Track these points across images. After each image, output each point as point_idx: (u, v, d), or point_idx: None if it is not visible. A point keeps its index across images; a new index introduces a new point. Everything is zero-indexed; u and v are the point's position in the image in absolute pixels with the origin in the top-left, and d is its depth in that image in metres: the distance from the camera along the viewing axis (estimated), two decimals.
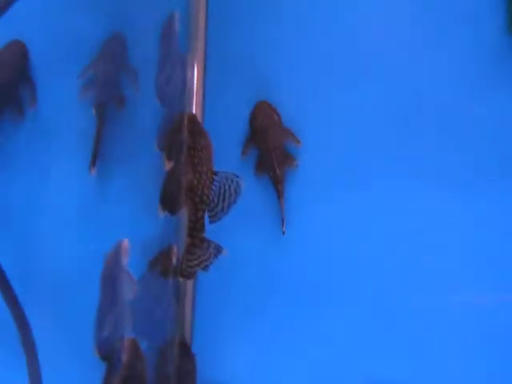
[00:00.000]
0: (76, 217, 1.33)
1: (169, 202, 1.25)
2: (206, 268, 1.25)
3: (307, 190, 1.38)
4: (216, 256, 1.25)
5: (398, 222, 1.35)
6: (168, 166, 1.24)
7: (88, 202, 1.32)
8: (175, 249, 1.28)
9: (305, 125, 1.39)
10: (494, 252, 1.33)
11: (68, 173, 1.34)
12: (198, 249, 1.24)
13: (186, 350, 1.32)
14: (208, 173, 1.24)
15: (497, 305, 1.31)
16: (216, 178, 1.25)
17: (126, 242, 1.00)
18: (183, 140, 1.25)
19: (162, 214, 1.23)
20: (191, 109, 1.37)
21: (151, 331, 1.26)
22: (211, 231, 1.22)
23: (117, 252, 0.99)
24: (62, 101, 1.38)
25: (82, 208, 1.32)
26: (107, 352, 1.03)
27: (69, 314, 1.26)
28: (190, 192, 1.23)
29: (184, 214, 1.27)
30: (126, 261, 1.00)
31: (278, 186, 1.36)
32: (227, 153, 1.36)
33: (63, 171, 1.34)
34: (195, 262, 1.25)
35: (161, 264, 1.27)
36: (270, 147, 1.36)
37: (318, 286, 1.35)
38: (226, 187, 1.24)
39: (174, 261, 1.27)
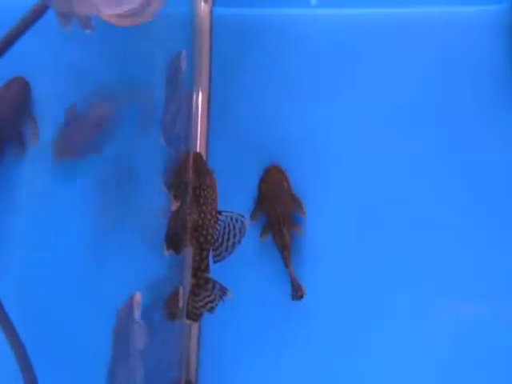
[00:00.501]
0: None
1: (173, 241, 1.25)
2: (211, 310, 1.24)
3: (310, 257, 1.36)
4: (221, 298, 1.24)
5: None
6: (175, 205, 1.24)
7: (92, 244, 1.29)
8: (181, 291, 1.26)
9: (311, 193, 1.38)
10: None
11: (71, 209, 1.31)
12: (203, 290, 1.23)
13: None
14: (213, 212, 1.23)
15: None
16: (221, 217, 1.24)
17: (138, 296, 0.98)
18: (189, 180, 1.24)
19: (166, 253, 1.23)
20: (196, 147, 1.35)
21: (158, 375, 1.24)
22: None
23: (129, 306, 0.98)
24: None
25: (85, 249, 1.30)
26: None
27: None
28: (194, 232, 1.22)
29: (189, 253, 1.26)
30: (137, 314, 0.98)
31: (284, 252, 1.33)
32: (231, 191, 1.34)
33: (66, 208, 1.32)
34: (200, 304, 1.24)
35: (167, 307, 1.25)
36: (278, 213, 1.35)
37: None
38: (231, 227, 1.24)
39: (181, 304, 1.26)
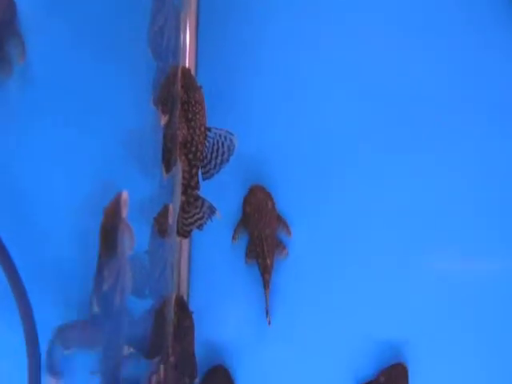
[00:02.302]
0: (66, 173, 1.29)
1: (164, 157, 1.24)
2: (200, 227, 1.25)
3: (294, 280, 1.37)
4: (210, 216, 1.24)
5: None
6: (163, 120, 1.22)
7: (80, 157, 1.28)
8: (171, 208, 1.26)
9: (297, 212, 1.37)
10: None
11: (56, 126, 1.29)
12: (193, 207, 1.23)
13: (183, 308, 1.31)
14: (201, 128, 1.22)
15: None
16: (209, 133, 1.23)
17: (125, 194, 0.97)
18: (177, 94, 1.22)
19: (166, 177, 1.22)
20: (184, 62, 1.33)
21: (149, 290, 1.25)
22: None
23: (117, 203, 0.97)
24: (50, 56, 1.34)
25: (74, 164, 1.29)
26: (107, 307, 1.01)
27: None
28: (183, 148, 1.20)
29: (179, 171, 1.25)
30: (125, 212, 0.97)
31: (265, 275, 1.33)
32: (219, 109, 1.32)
33: (50, 125, 1.30)
34: (190, 221, 1.24)
35: (157, 223, 1.25)
36: (262, 235, 1.33)
37: None
38: (220, 144, 1.22)
39: (171, 220, 1.26)
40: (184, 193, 1.22)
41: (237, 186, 1.32)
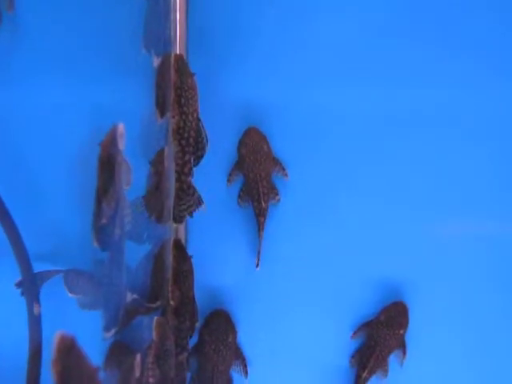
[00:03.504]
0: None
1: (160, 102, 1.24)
2: (191, 214, 1.28)
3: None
4: (197, 206, 1.27)
5: None
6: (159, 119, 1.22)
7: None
8: (166, 152, 1.26)
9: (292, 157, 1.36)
10: None
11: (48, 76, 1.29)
12: (186, 194, 1.25)
13: (181, 252, 1.31)
14: (194, 114, 1.22)
15: None
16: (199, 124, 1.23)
17: (121, 126, 0.97)
18: (170, 79, 1.21)
19: (159, 121, 1.22)
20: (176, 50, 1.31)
21: (147, 235, 1.25)
22: None
23: (113, 135, 0.96)
24: (40, 5, 1.32)
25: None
26: (106, 240, 1.01)
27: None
28: (176, 134, 1.20)
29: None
30: (122, 144, 0.97)
31: (260, 218, 1.32)
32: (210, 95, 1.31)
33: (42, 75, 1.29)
34: (183, 207, 1.26)
35: (153, 167, 1.25)
36: (257, 177, 1.31)
37: None
38: (200, 138, 1.23)
39: (166, 163, 1.26)
40: (178, 180, 1.23)
41: (233, 129, 1.31)
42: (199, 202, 1.26)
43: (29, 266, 1.17)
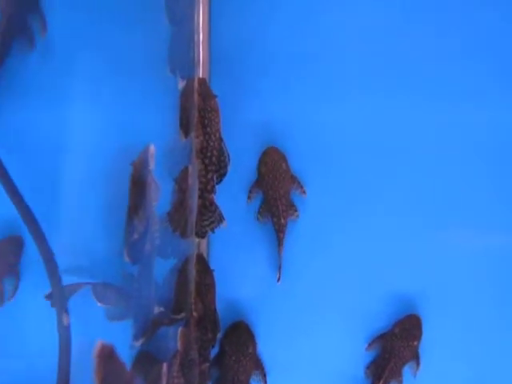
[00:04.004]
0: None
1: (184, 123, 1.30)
2: (212, 230, 1.34)
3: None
4: (219, 223, 1.34)
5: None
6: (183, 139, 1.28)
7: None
8: (190, 169, 1.31)
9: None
10: None
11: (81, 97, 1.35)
12: (208, 211, 1.31)
13: (204, 266, 1.36)
14: (217, 134, 1.29)
15: None
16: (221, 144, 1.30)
17: (152, 147, 1.03)
18: (194, 102, 1.28)
19: (183, 140, 1.28)
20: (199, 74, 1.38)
21: (172, 250, 1.30)
22: None
23: (145, 156, 1.02)
24: (71, 30, 1.39)
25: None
26: (137, 255, 1.06)
27: None
28: (200, 153, 1.27)
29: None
30: (152, 165, 1.03)
31: (279, 234, 1.38)
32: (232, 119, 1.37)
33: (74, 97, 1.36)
34: (206, 223, 1.33)
35: (177, 184, 1.31)
36: (277, 195, 1.37)
37: None
38: (223, 157, 1.30)
39: (190, 181, 1.32)
40: (201, 197, 1.30)
41: (253, 148, 1.37)
42: (220, 218, 1.32)
43: (59, 279, 1.22)
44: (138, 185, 1.04)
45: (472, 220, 1.40)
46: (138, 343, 1.12)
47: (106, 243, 1.24)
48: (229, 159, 1.29)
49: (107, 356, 0.77)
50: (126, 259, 1.06)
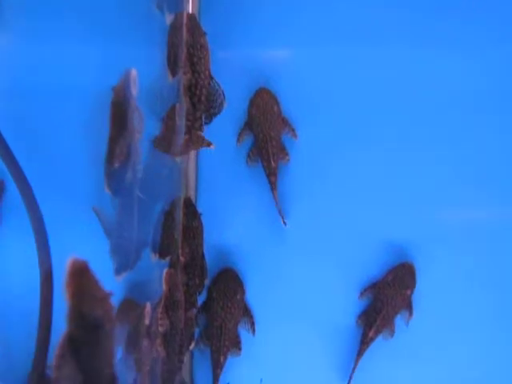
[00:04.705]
0: None
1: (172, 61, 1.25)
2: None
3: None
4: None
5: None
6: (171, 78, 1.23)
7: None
8: (178, 108, 1.27)
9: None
10: None
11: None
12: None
13: (191, 209, 1.32)
14: (206, 72, 1.23)
15: None
16: (211, 82, 1.24)
17: (134, 71, 0.98)
18: (182, 38, 1.22)
19: (171, 79, 1.23)
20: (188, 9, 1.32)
21: (157, 192, 1.26)
22: None
23: (126, 81, 0.97)
24: None
25: None
26: (117, 186, 1.02)
27: None
28: (188, 91, 1.21)
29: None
30: (135, 90, 0.98)
31: (271, 177, 1.33)
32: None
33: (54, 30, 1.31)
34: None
35: (165, 123, 1.26)
36: (267, 137, 1.32)
37: None
38: (215, 97, 1.24)
39: (178, 120, 1.27)
40: (188, 133, 1.23)
41: (243, 88, 1.32)
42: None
43: (41, 221, 1.17)
44: (119, 111, 0.99)
45: (470, 167, 1.35)
46: (120, 277, 1.07)
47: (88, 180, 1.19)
48: (224, 98, 1.22)
49: (79, 272, 0.73)
50: (106, 190, 1.01)
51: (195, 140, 1.20)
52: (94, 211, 1.13)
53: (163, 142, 1.17)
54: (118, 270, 1.07)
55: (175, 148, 1.19)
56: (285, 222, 1.33)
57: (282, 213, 1.33)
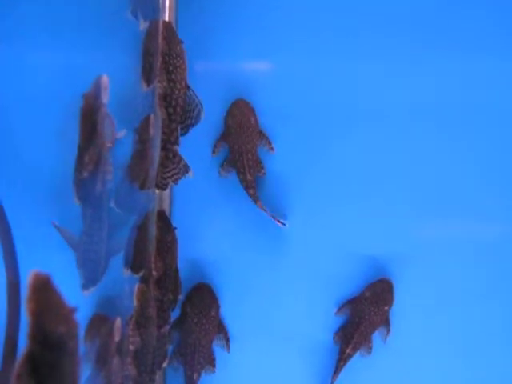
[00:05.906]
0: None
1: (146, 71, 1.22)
2: (175, 181, 1.25)
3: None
4: (183, 174, 1.25)
5: None
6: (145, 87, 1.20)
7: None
8: (152, 119, 1.24)
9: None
10: None
11: None
12: (171, 162, 1.23)
13: (165, 223, 1.29)
14: (182, 82, 1.20)
15: None
16: (187, 92, 1.21)
17: (105, 78, 0.95)
18: (158, 46, 1.20)
19: (146, 89, 1.20)
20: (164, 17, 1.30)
21: (130, 204, 1.22)
22: None
23: (96, 87, 0.94)
24: None
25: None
26: (86, 196, 0.98)
27: None
28: (163, 101, 1.18)
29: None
30: (106, 97, 0.95)
31: (249, 190, 1.30)
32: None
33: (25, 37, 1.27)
34: (168, 175, 1.24)
35: (138, 134, 1.23)
36: (243, 149, 1.30)
37: None
38: (191, 108, 1.21)
39: (151, 131, 1.24)
40: (163, 148, 1.21)
41: (220, 99, 1.29)
42: (186, 169, 1.24)
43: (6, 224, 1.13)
44: (89, 119, 0.95)
45: (452, 186, 1.33)
46: (88, 292, 1.03)
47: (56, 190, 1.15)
48: (202, 108, 1.20)
49: (42, 286, 0.69)
50: (76, 201, 0.97)
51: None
52: (53, 226, 1.09)
53: (136, 169, 1.14)
54: (86, 285, 1.03)
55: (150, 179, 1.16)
56: (284, 223, 1.30)
57: (276, 217, 1.29)
